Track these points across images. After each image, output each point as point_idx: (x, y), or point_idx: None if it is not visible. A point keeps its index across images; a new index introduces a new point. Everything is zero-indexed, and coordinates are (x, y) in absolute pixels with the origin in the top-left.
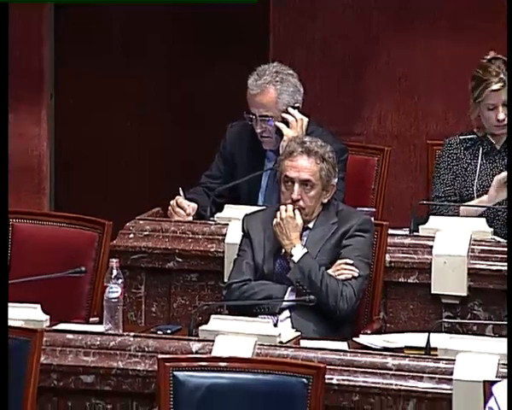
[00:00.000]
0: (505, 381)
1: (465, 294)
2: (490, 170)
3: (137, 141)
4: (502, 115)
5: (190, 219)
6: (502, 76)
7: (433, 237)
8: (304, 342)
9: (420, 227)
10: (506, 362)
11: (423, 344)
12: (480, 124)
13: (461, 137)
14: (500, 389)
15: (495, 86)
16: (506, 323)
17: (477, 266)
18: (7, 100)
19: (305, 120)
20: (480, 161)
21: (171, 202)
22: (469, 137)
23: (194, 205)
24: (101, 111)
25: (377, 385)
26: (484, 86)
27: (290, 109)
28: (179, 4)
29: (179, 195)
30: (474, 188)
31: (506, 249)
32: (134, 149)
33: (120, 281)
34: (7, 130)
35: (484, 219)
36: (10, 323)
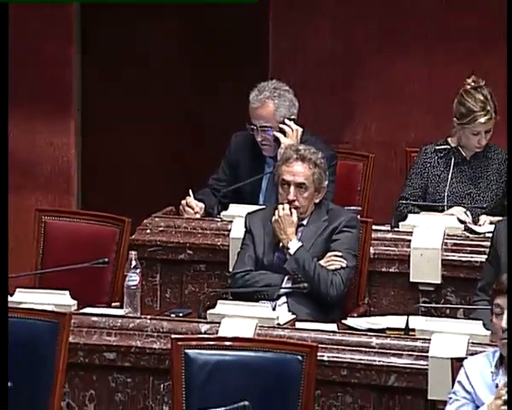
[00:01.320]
0: (475, 356)
1: (439, 282)
2: (460, 178)
3: (152, 148)
4: (484, 141)
5: (199, 216)
6: (488, 108)
7: (412, 232)
8: (298, 324)
9: (400, 224)
10: (475, 341)
11: (403, 326)
12: (458, 138)
13: (436, 147)
14: (470, 363)
15: (483, 119)
16: (476, 307)
17: (450, 258)
18: (7, 101)
19: (300, 130)
20: (451, 170)
21: (182, 202)
22: (443, 147)
23: (202, 205)
24: (121, 122)
25: (362, 361)
26: (473, 117)
27: (287, 121)
28: (193, 31)
29: (189, 195)
30: (445, 194)
31: (475, 243)
32: (149, 156)
33: (138, 271)
34: (7, 132)
35: (455, 217)
36: (43, 307)
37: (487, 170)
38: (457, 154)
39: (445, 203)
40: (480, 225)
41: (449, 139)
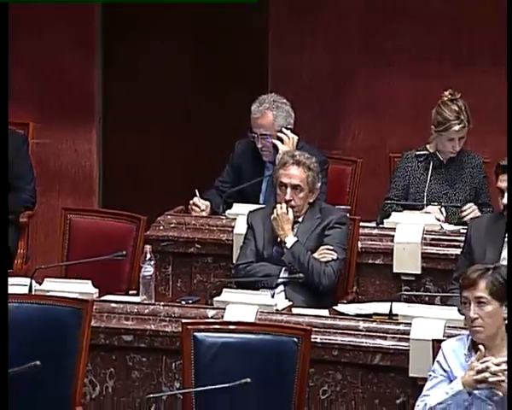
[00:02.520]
0: (451, 339)
1: (419, 272)
2: (437, 180)
3: (166, 154)
4: (458, 147)
5: (205, 214)
6: (462, 117)
7: (395, 229)
8: (295, 310)
9: (384, 221)
10: (451, 325)
11: (387, 311)
12: (436, 144)
13: (416, 153)
14: (447, 346)
15: (457, 127)
16: (451, 294)
17: (428, 251)
18: (7, 101)
19: (296, 138)
20: (430, 173)
21: (190, 202)
22: (423, 153)
23: (207, 203)
24: (138, 131)
25: (351, 343)
26: (448, 125)
27: (284, 130)
28: (203, 52)
29: (195, 196)
30: (425, 194)
31: (451, 238)
32: (163, 160)
33: (153, 262)
34: (7, 136)
35: (433, 215)
36: (68, 295)
37: (462, 173)
38: (435, 158)
39: (425, 203)
40: (465, 210)
41: (428, 146)
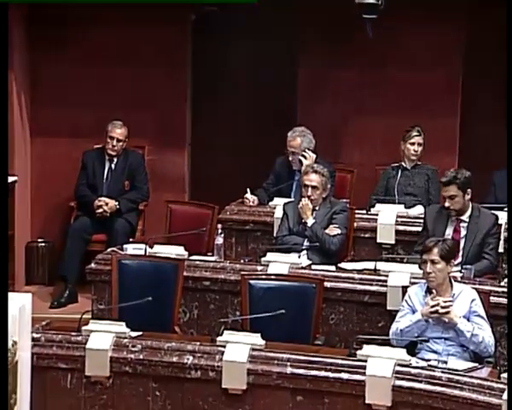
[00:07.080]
0: (414, 286)
1: (393, 242)
2: (404, 178)
3: (229, 166)
4: (418, 150)
5: (254, 204)
6: (419, 130)
7: (377, 214)
8: (313, 267)
9: (371, 209)
10: (414, 276)
11: (373, 267)
12: (402, 155)
13: (392, 165)
14: (411, 290)
15: (415, 133)
16: (416, 256)
17: (399, 228)
18: (7, 103)
19: (314, 156)
20: (399, 174)
21: (244, 196)
22: (395, 164)
23: (255, 197)
24: (213, 152)
25: (349, 287)
26: (409, 134)
27: (307, 150)
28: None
29: (247, 192)
30: (395, 187)
31: (413, 221)
32: (228, 170)
33: (222, 235)
34: (7, 136)
35: (403, 205)
36: (169, 255)
37: (420, 177)
38: (403, 166)
39: (396, 194)
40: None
41: (402, 163)
